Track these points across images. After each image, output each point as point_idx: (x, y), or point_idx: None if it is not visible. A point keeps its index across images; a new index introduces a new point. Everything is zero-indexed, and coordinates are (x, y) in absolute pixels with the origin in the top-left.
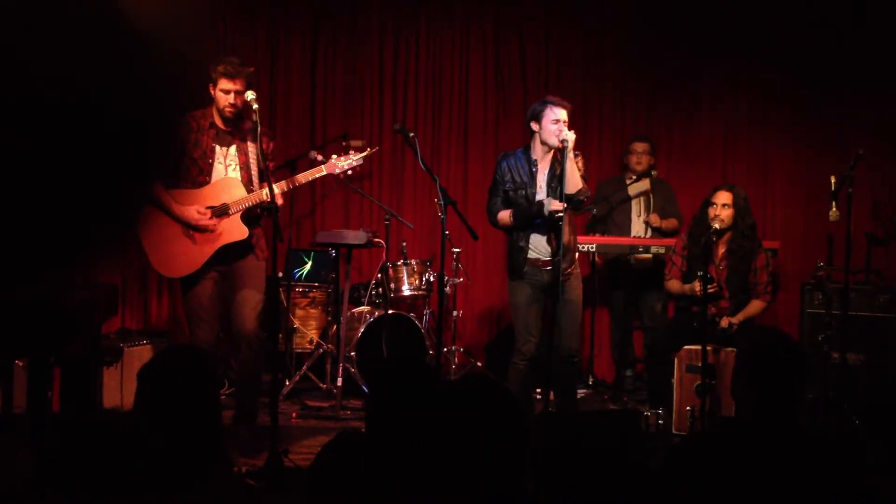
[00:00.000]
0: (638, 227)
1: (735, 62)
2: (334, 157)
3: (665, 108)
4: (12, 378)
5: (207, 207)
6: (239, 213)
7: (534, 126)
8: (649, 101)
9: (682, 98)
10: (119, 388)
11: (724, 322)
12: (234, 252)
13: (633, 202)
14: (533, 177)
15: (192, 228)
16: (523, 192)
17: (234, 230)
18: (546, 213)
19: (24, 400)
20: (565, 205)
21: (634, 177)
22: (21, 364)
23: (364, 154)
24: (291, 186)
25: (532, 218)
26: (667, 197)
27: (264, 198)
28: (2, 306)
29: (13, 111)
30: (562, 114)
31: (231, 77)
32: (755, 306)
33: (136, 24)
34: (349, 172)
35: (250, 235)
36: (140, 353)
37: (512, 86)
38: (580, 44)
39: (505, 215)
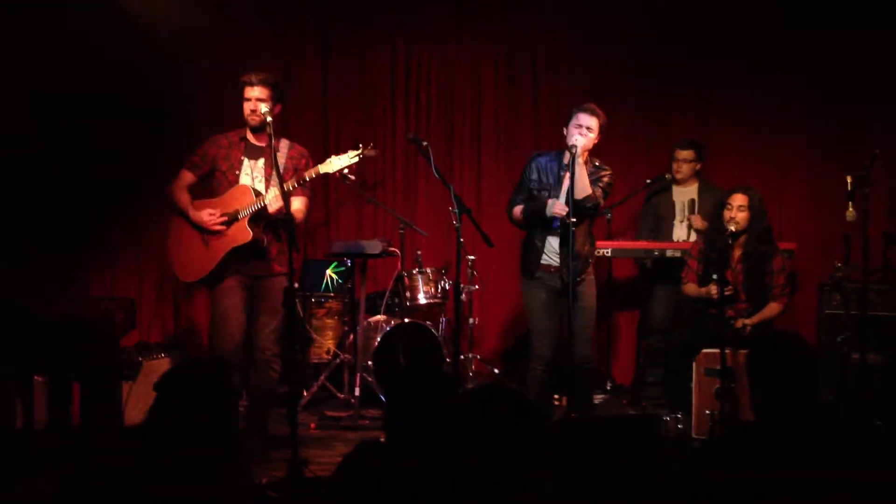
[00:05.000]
0: (680, 232)
1: (748, 63)
2: (333, 156)
3: (677, 112)
4: (33, 394)
5: (222, 214)
6: (246, 218)
7: (564, 130)
8: (661, 105)
9: (694, 102)
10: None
11: (739, 323)
12: (254, 264)
13: (677, 206)
14: (559, 180)
15: (207, 232)
16: (547, 194)
17: (240, 234)
18: (548, 213)
19: (44, 416)
20: (567, 210)
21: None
22: (41, 380)
23: (360, 152)
24: (297, 183)
25: (537, 215)
26: (714, 203)
27: (268, 202)
28: (21, 323)
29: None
30: (585, 119)
31: (249, 84)
32: (772, 309)
33: (150, 36)
34: (346, 171)
35: (257, 241)
36: (158, 367)
37: (524, 94)
38: (591, 54)
39: (518, 210)
